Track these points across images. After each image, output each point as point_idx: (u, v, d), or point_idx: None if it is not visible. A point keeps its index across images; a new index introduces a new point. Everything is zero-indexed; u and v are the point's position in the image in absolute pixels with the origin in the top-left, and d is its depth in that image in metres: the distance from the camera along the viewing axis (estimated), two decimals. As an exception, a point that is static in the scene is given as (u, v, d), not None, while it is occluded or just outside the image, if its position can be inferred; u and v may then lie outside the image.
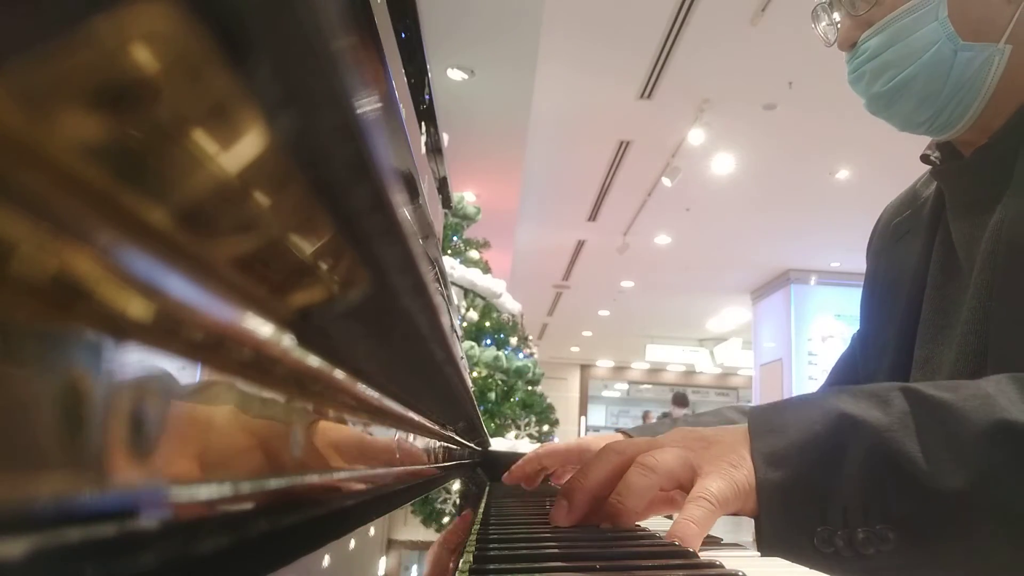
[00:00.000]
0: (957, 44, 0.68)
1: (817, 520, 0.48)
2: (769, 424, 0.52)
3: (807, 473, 0.49)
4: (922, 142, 0.81)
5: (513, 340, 4.35)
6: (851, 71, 0.75)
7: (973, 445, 0.47)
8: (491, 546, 0.49)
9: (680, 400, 9.20)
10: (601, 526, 0.54)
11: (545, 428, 4.33)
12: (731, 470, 0.51)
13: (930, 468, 0.46)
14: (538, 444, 4.32)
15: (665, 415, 8.09)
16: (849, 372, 0.92)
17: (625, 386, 15.64)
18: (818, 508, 0.48)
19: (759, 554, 0.51)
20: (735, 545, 0.62)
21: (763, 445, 0.51)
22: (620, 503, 0.52)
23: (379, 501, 0.40)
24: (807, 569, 0.50)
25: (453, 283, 3.92)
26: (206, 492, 0.17)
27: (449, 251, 4.28)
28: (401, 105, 0.25)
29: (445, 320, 0.44)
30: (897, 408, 0.50)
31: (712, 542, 0.62)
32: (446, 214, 3.95)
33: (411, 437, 0.55)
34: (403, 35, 0.86)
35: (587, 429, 13.98)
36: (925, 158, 0.81)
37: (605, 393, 15.68)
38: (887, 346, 0.79)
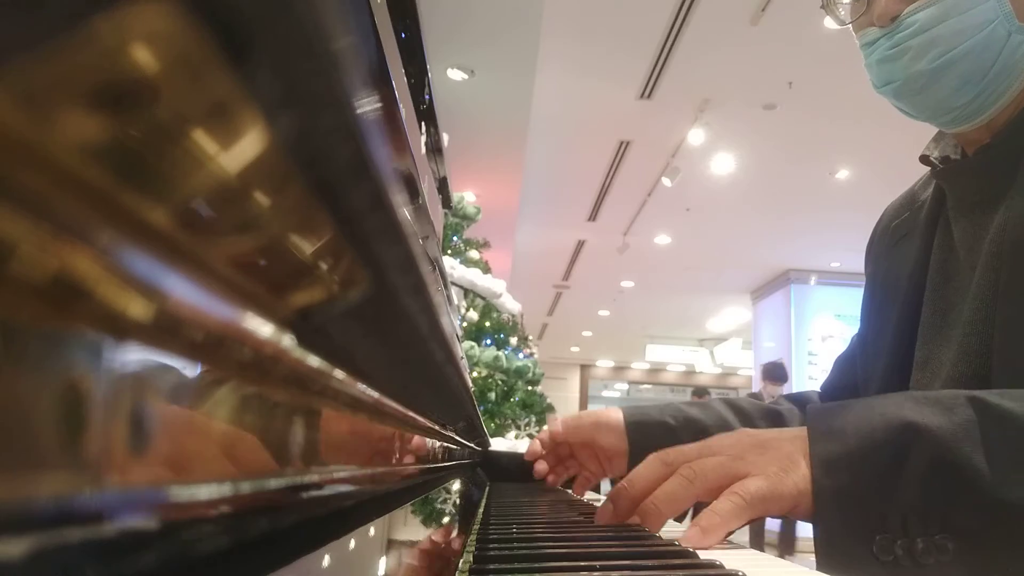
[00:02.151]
0: (1012, 25, 0.65)
1: (876, 528, 0.47)
2: (828, 428, 0.52)
3: (866, 481, 0.48)
4: (921, 141, 0.81)
5: (513, 340, 4.35)
6: (888, 47, 0.69)
7: None
8: (491, 546, 0.49)
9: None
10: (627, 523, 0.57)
11: (545, 428, 4.32)
12: (779, 474, 0.51)
13: (995, 479, 0.46)
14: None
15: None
16: (848, 373, 0.92)
17: (625, 386, 15.64)
18: (877, 516, 0.47)
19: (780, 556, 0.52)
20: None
21: (821, 450, 0.51)
22: (655, 507, 0.54)
23: (379, 501, 0.40)
24: (805, 569, 0.50)
25: (453, 283, 3.92)
26: (206, 492, 0.17)
27: (449, 251, 4.28)
28: (401, 105, 0.25)
29: (445, 320, 0.44)
30: (962, 416, 0.49)
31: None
32: (446, 214, 3.94)
33: (411, 437, 0.55)
34: (403, 35, 0.86)
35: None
36: (925, 159, 0.79)
37: (605, 393, 15.68)
38: (884, 348, 0.79)
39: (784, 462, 0.52)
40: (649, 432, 0.87)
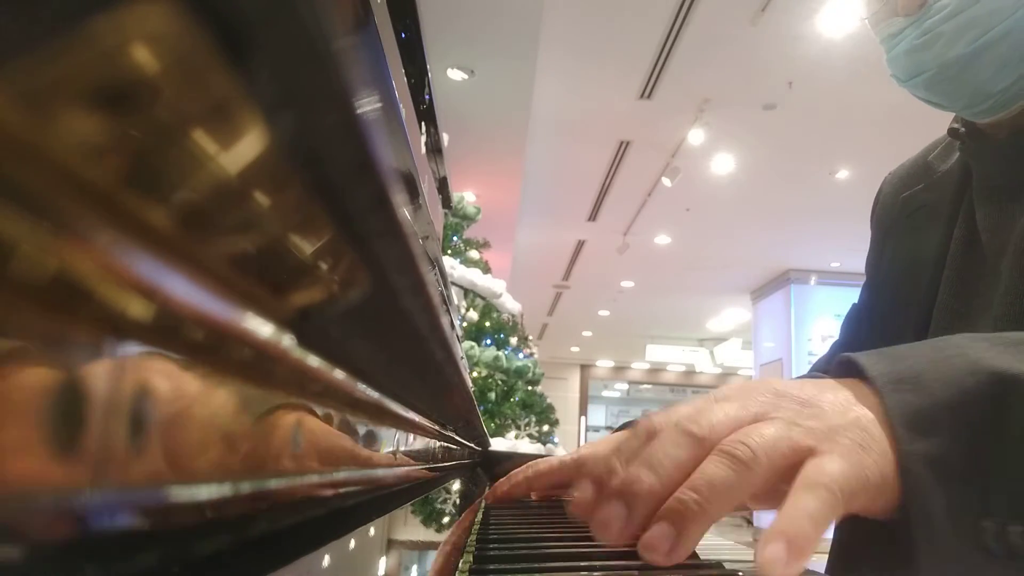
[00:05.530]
0: None
1: (980, 510, 0.34)
2: (898, 375, 0.37)
3: (965, 444, 0.34)
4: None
5: (513, 340, 4.35)
6: (917, 36, 0.65)
7: None
8: (491, 546, 0.49)
9: None
10: (643, 550, 0.33)
11: (545, 428, 4.33)
12: (855, 450, 0.34)
13: None
14: (539, 445, 4.24)
15: None
16: (856, 333, 0.88)
17: (625, 386, 15.65)
18: (980, 493, 0.34)
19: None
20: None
21: (899, 404, 0.35)
22: (698, 503, 0.33)
23: (379, 501, 0.40)
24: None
25: (453, 283, 3.92)
26: (206, 492, 0.17)
27: (449, 251, 4.28)
28: (401, 105, 0.24)
29: (445, 320, 0.44)
30: None
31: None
32: (446, 214, 3.95)
33: (411, 437, 0.55)
34: (403, 35, 0.86)
35: (587, 429, 13.99)
36: (954, 132, 0.74)
37: (605, 393, 15.69)
38: (905, 331, 0.75)
39: (853, 431, 0.35)
40: None
